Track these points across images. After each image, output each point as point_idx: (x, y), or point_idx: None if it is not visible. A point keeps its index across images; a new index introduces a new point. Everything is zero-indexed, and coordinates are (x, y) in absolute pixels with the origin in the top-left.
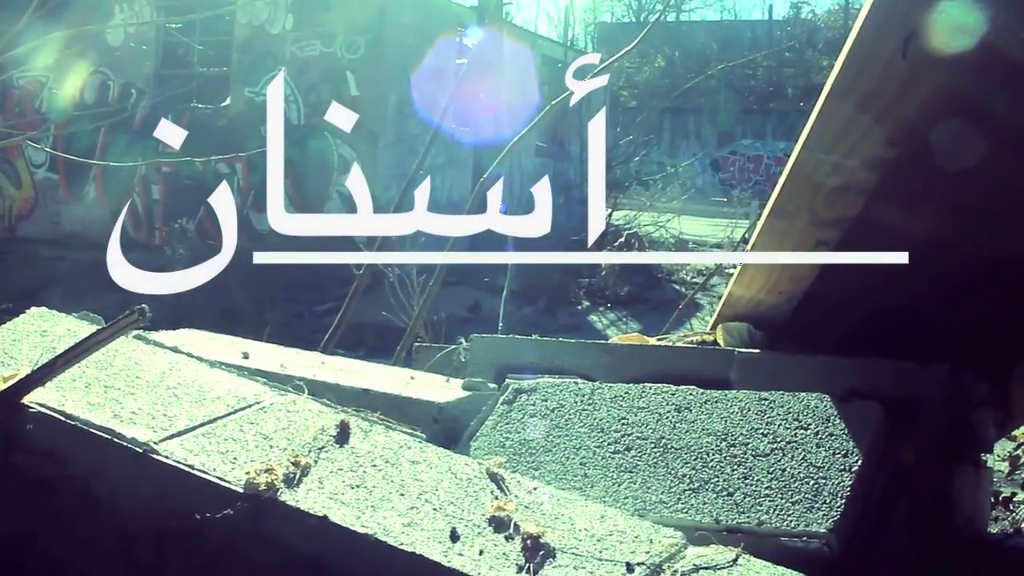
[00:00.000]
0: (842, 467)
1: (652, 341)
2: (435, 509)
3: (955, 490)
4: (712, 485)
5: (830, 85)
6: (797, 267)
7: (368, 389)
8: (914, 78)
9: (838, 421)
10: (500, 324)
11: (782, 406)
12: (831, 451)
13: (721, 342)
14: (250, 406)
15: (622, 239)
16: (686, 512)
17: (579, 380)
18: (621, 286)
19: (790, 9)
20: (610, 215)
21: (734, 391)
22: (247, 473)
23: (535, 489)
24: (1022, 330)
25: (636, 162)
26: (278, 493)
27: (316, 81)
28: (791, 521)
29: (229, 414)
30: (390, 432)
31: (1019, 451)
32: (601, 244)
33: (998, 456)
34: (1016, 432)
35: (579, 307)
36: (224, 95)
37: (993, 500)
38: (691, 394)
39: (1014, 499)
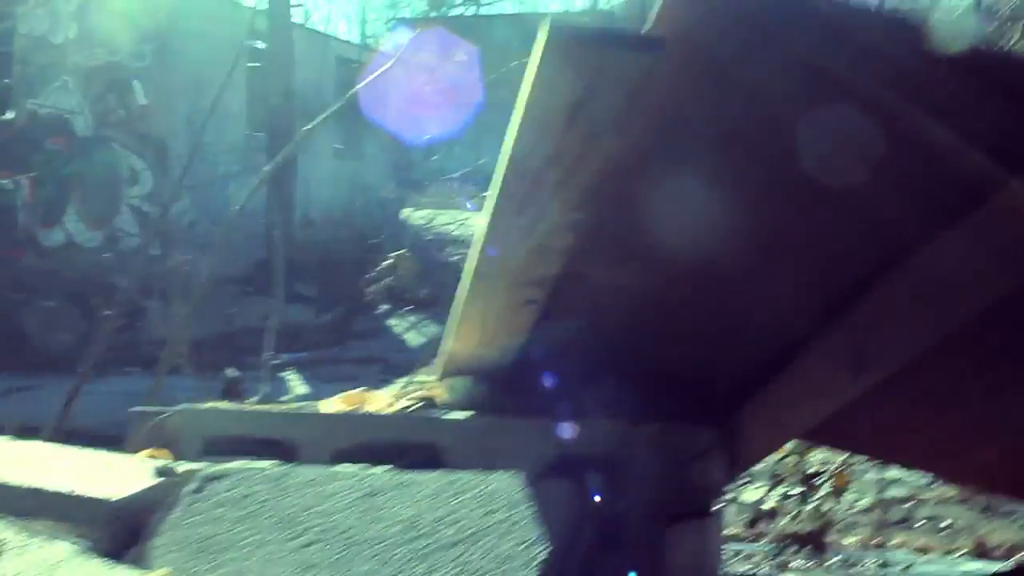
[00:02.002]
0: (527, 559)
1: (373, 398)
2: None
3: (670, 550)
4: None
5: (507, 153)
6: (511, 322)
7: (40, 488)
8: (587, 146)
9: (526, 506)
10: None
11: (472, 489)
12: (517, 541)
13: (444, 398)
14: None
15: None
16: None
17: (269, 464)
18: (420, 288)
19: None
20: (409, 216)
21: (425, 474)
22: None
23: None
24: (743, 375)
25: (438, 159)
26: None
27: (102, 91)
28: None
29: None
30: (51, 545)
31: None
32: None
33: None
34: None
35: (378, 311)
36: (6, 108)
37: (758, 515)
38: (382, 478)
39: (778, 512)
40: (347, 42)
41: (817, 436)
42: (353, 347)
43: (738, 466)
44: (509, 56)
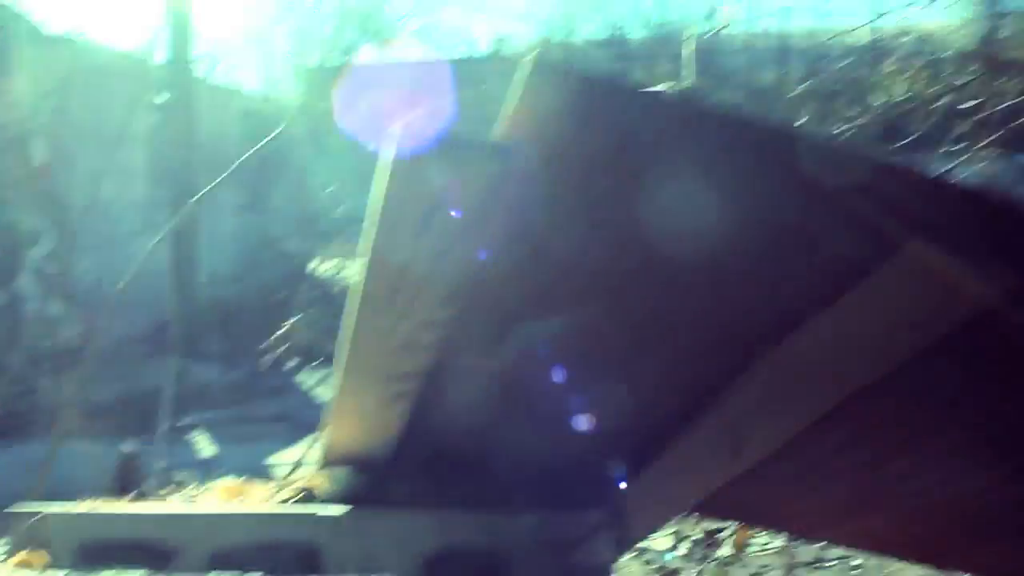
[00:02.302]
0: None
1: (253, 490)
2: None
3: None
4: None
5: (364, 255)
6: (384, 414)
7: None
8: (443, 249)
9: None
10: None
11: None
12: None
13: (324, 489)
14: None
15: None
16: None
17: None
18: (326, 342)
19: (494, 44)
20: (316, 267)
21: None
22: None
23: None
24: (626, 454)
25: (344, 209)
26: None
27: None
28: None
29: None
30: None
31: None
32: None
33: None
34: None
35: (286, 367)
36: None
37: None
38: None
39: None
40: (251, 95)
41: (706, 509)
42: (261, 405)
43: (627, 543)
44: (418, 100)
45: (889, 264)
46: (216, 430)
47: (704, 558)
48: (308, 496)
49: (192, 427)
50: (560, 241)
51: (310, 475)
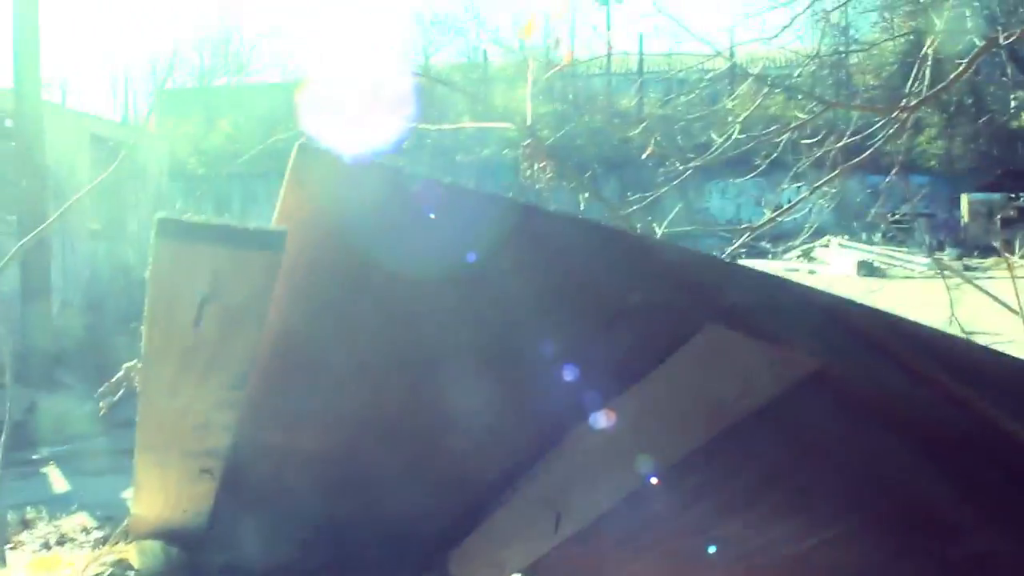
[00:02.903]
0: None
1: (64, 564)
2: None
3: None
4: None
5: (145, 341)
6: (190, 490)
7: None
8: (225, 335)
9: None
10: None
11: None
12: None
13: (135, 563)
14: None
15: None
16: None
17: None
18: None
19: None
20: None
21: None
22: None
23: None
24: (447, 523)
25: None
26: None
27: None
28: None
29: None
30: None
31: None
32: None
33: None
34: None
35: None
36: None
37: None
38: None
39: None
40: (103, 119)
41: (537, 573)
42: (120, 436)
43: None
44: (275, 124)
45: (690, 345)
46: (71, 464)
47: None
48: (119, 571)
49: (46, 461)
50: (347, 326)
51: (120, 548)
